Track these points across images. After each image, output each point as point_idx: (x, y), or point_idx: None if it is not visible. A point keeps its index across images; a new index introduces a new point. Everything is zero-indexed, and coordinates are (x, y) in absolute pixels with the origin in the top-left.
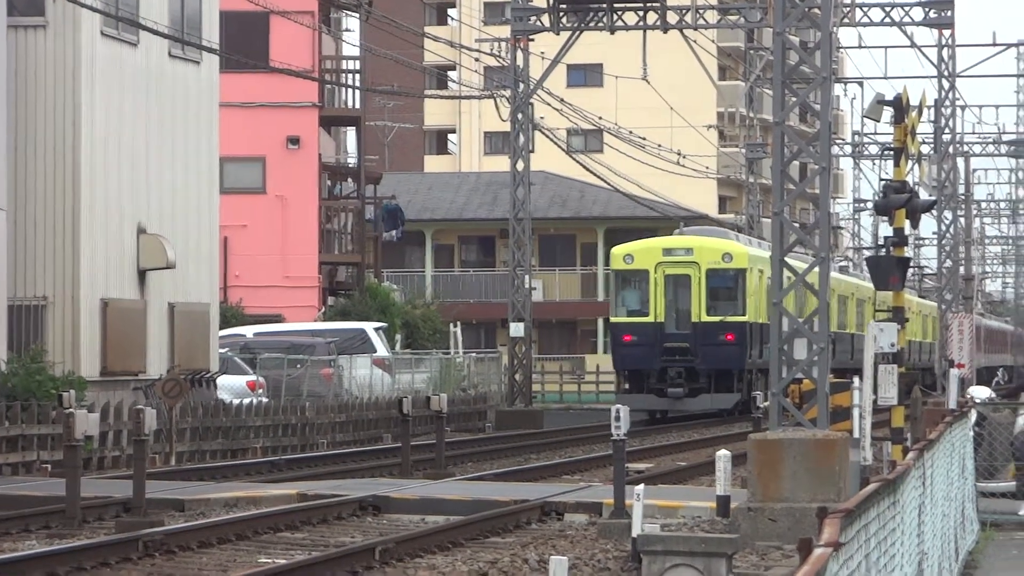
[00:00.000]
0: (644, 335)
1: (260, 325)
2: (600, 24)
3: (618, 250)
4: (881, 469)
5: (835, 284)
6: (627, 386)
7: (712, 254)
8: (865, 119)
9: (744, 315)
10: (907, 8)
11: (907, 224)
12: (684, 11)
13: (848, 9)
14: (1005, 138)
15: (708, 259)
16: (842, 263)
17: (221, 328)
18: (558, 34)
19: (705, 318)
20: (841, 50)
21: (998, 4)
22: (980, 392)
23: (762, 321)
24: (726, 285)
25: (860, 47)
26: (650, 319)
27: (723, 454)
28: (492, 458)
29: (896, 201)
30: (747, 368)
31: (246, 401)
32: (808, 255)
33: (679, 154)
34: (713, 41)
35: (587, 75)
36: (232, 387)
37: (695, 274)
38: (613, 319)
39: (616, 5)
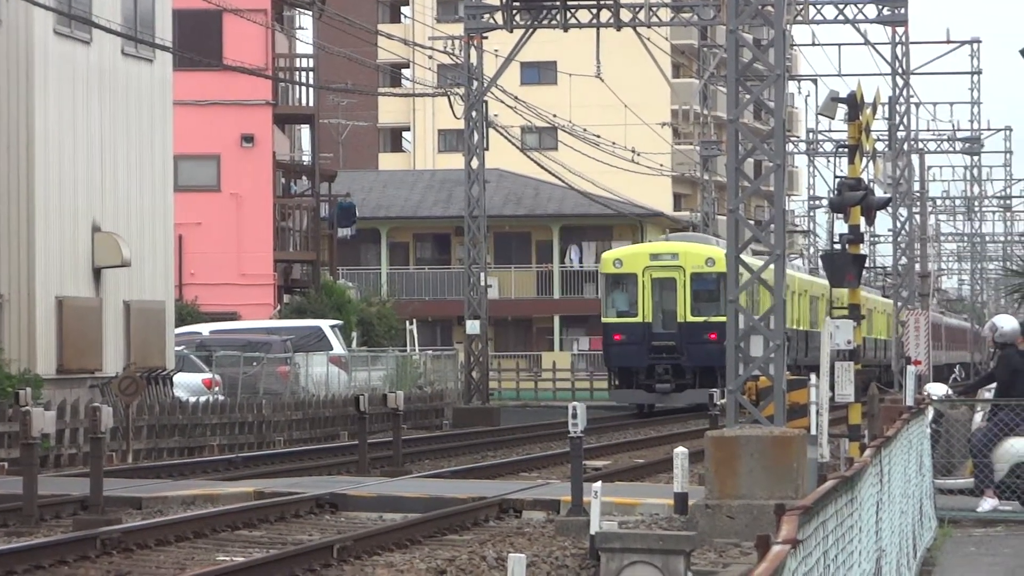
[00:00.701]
0: (633, 334)
1: (216, 323)
2: (553, 22)
3: (608, 255)
4: (838, 466)
5: (787, 281)
6: (617, 382)
7: (696, 259)
8: (819, 116)
9: (726, 315)
10: (860, 6)
11: (862, 221)
12: (637, 9)
13: (801, 7)
14: (959, 135)
15: (692, 263)
16: (795, 259)
17: (177, 326)
18: (511, 32)
19: (690, 318)
20: (795, 48)
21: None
22: (937, 389)
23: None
24: (709, 288)
25: (814, 45)
26: (638, 319)
27: (680, 451)
28: (449, 455)
29: (851, 198)
30: None
31: (202, 399)
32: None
33: (633, 152)
34: (667, 39)
35: (541, 73)
36: (188, 385)
37: (680, 277)
38: (604, 319)
39: (569, 3)
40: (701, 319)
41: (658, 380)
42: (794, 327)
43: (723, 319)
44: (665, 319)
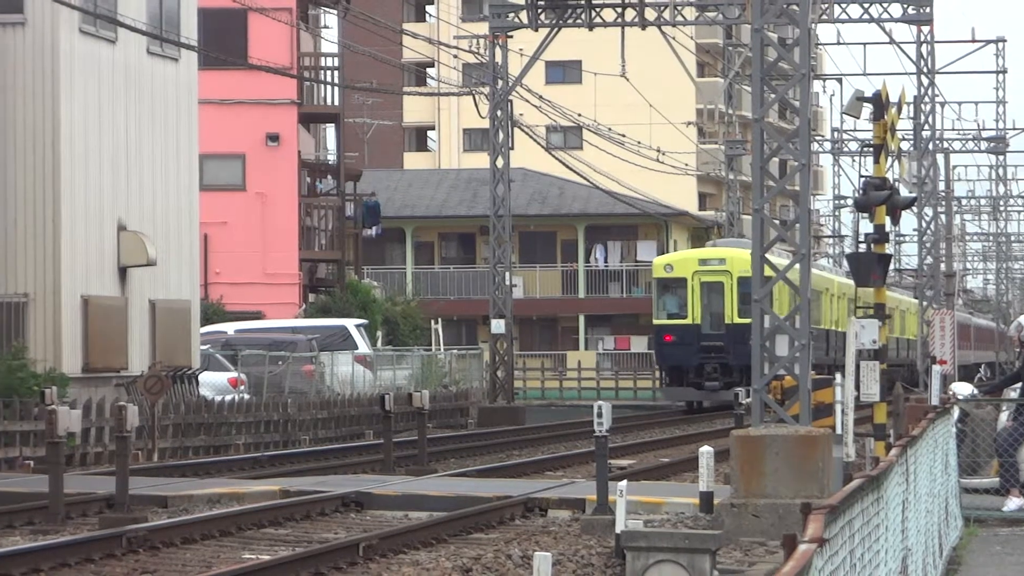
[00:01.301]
0: (683, 335)
1: (241, 322)
2: (578, 21)
3: (659, 260)
4: (864, 465)
5: (826, 283)
6: (668, 380)
7: (743, 263)
8: (845, 115)
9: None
10: (886, 4)
11: (888, 221)
12: (662, 8)
13: (827, 6)
14: (985, 134)
15: (739, 268)
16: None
17: (202, 325)
18: (536, 31)
19: (737, 320)
20: (820, 47)
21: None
22: (963, 388)
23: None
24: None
25: (839, 44)
26: (688, 321)
27: (706, 450)
28: (474, 454)
29: (876, 198)
30: None
31: (228, 398)
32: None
33: (658, 151)
34: (691, 38)
35: (566, 72)
36: (214, 384)
37: (728, 281)
38: (655, 321)
39: (594, 2)
40: (747, 320)
41: (707, 378)
42: (833, 328)
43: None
44: (713, 321)
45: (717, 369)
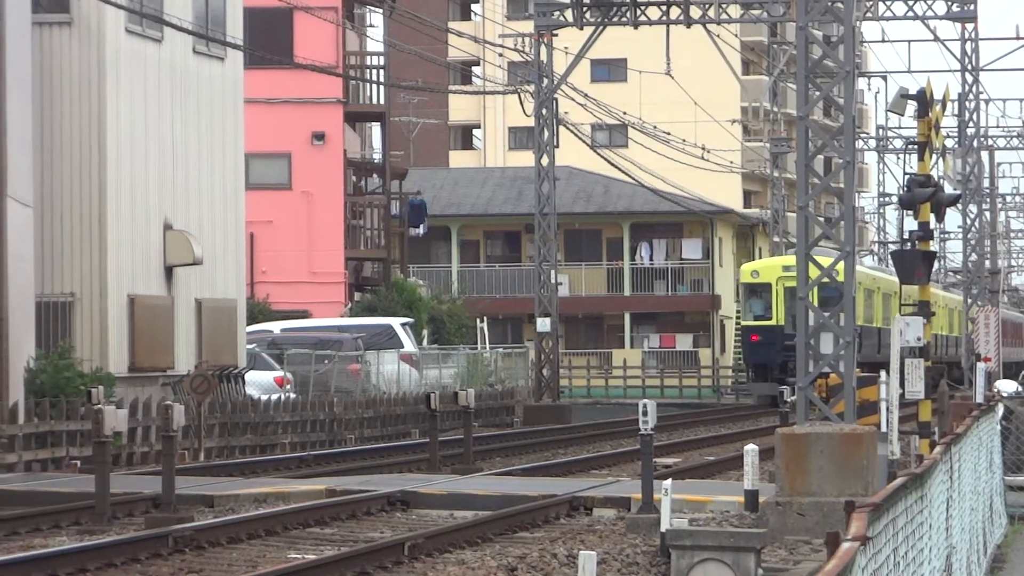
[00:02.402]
0: (768, 336)
1: (287, 321)
2: (623, 19)
3: (747, 267)
4: (909, 463)
5: (860, 278)
6: (754, 376)
7: None
8: (889, 113)
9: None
10: (930, 2)
11: (932, 218)
12: (707, 5)
13: (871, 3)
14: None
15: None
16: (865, 256)
17: (248, 324)
18: (581, 29)
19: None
20: (864, 44)
21: None
22: (1007, 386)
23: (859, 324)
24: (832, 295)
25: (883, 41)
26: (772, 322)
27: (751, 448)
28: (520, 453)
29: (921, 195)
30: None
31: (274, 397)
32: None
33: (703, 149)
34: (736, 35)
35: (611, 70)
36: (260, 383)
37: None
38: (743, 323)
39: (639, 0)
40: None
41: (790, 374)
42: (888, 327)
43: None
44: (796, 322)
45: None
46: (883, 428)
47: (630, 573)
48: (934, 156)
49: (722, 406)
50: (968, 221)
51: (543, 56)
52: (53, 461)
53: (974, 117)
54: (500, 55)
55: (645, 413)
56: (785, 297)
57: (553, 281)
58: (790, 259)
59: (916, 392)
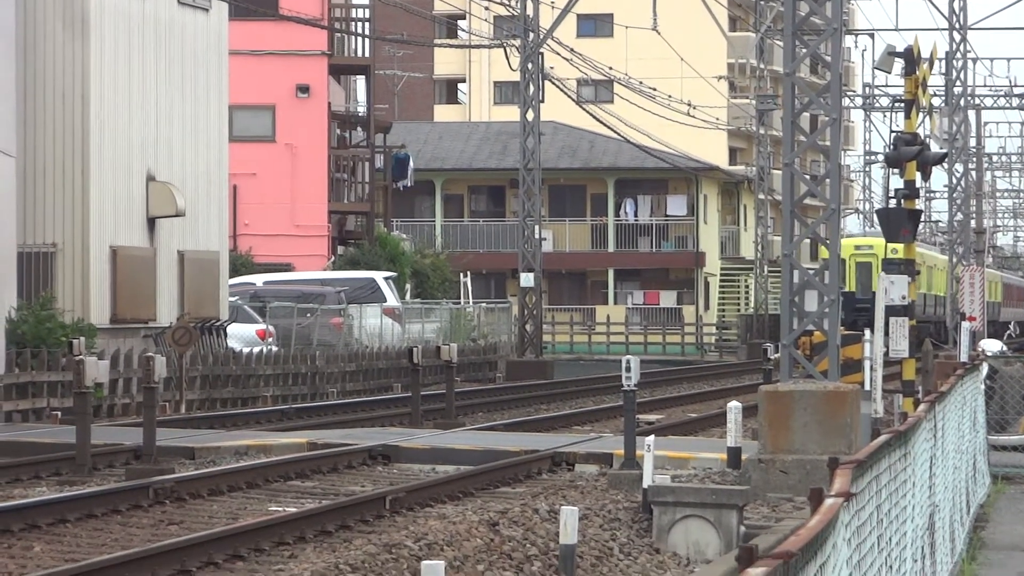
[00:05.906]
0: (843, 300)
1: (270, 274)
2: None
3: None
4: (892, 422)
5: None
6: None
7: (883, 248)
8: (876, 71)
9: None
10: None
11: (918, 176)
12: None
13: None
14: (1016, 91)
15: (881, 252)
16: (850, 214)
17: (231, 276)
18: None
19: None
20: (852, 1)
21: None
22: (992, 345)
23: (922, 291)
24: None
25: None
26: (846, 290)
27: (734, 405)
28: (502, 408)
29: (907, 153)
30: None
31: (256, 350)
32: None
33: (689, 105)
34: None
35: (597, 25)
36: (242, 336)
37: (874, 261)
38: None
39: None
40: None
41: (859, 330)
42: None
43: None
44: (863, 289)
45: (866, 323)
46: (867, 386)
47: (612, 529)
48: (921, 115)
49: (705, 363)
50: (954, 180)
51: (529, 10)
52: (34, 412)
53: (961, 76)
54: (486, 8)
55: (628, 369)
56: (856, 270)
57: (537, 236)
58: (860, 240)
59: (900, 351)
